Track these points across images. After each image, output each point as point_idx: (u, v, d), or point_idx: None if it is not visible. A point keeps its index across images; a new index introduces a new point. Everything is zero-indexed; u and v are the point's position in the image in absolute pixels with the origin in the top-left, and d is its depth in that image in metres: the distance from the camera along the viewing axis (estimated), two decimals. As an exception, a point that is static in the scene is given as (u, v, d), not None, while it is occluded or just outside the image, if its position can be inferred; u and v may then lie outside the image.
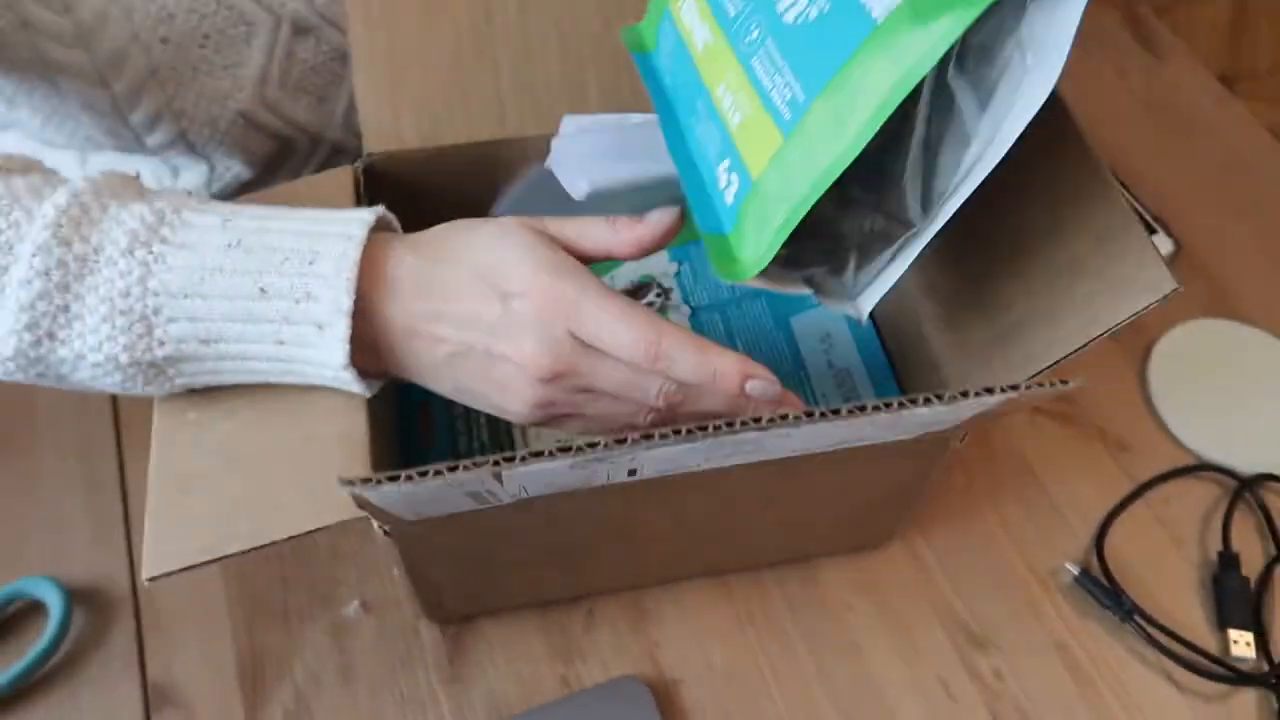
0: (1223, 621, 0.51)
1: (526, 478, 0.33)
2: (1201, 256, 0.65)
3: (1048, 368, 0.39)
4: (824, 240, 0.38)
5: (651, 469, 0.36)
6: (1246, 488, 0.55)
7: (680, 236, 0.53)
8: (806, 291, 0.39)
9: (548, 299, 0.36)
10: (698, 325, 0.52)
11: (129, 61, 0.53)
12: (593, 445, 0.31)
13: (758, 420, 0.31)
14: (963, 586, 0.52)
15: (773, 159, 0.34)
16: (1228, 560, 0.52)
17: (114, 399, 0.56)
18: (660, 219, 0.39)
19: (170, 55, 0.54)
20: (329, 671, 0.48)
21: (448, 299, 0.37)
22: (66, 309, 0.37)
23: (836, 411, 0.31)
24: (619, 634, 0.50)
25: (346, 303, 0.36)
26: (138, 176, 0.41)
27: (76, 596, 0.49)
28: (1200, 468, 0.56)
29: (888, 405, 0.32)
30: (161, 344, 0.37)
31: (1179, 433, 0.57)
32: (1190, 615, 0.51)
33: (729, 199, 0.36)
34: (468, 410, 0.50)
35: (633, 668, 0.48)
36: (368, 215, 0.39)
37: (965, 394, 0.32)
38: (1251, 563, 0.53)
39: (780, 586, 0.51)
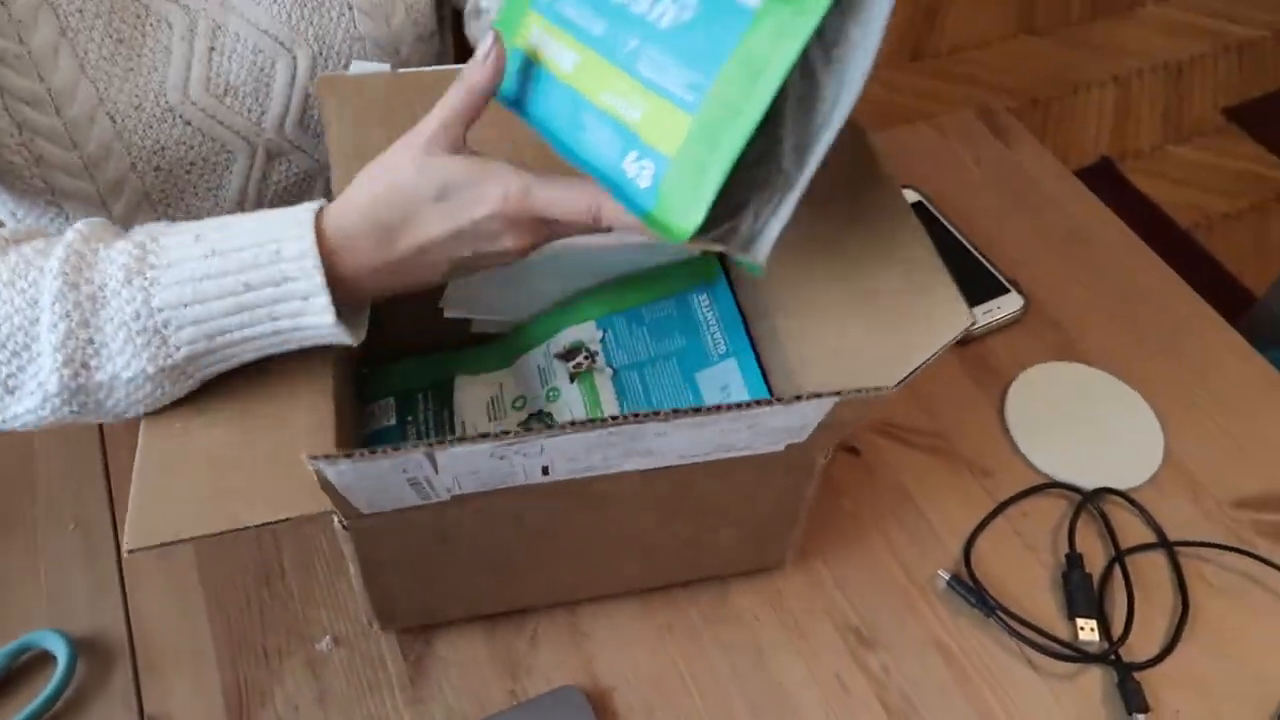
0: (1071, 612, 0.60)
1: (455, 462, 0.42)
2: (1048, 310, 0.76)
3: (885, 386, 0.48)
4: (727, 199, 0.44)
5: (561, 467, 0.45)
6: (1088, 500, 0.65)
7: (602, 308, 0.63)
8: (719, 248, 0.45)
9: (512, 211, 0.46)
10: (619, 383, 0.61)
11: (127, 187, 0.63)
12: (505, 433, 0.40)
13: (637, 415, 0.41)
14: (852, 595, 0.61)
15: (687, 135, 0.41)
16: (1074, 561, 0.62)
17: (106, 471, 0.63)
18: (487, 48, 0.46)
19: (161, 180, 0.64)
20: (306, 699, 0.55)
21: (417, 238, 0.46)
22: (91, 341, 0.45)
23: (697, 410, 0.41)
24: (558, 650, 0.57)
25: (319, 277, 0.45)
26: (103, 220, 0.49)
27: (80, 646, 0.56)
28: (1050, 486, 0.66)
29: (737, 406, 0.41)
30: (177, 349, 0.45)
31: (1031, 457, 0.67)
32: (1044, 609, 0.60)
33: (644, 182, 0.43)
34: (418, 433, 0.59)
35: (571, 679, 0.56)
36: (316, 203, 0.47)
37: (799, 398, 0.42)
38: (1094, 562, 0.62)
39: (694, 603, 0.60)
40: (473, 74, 0.46)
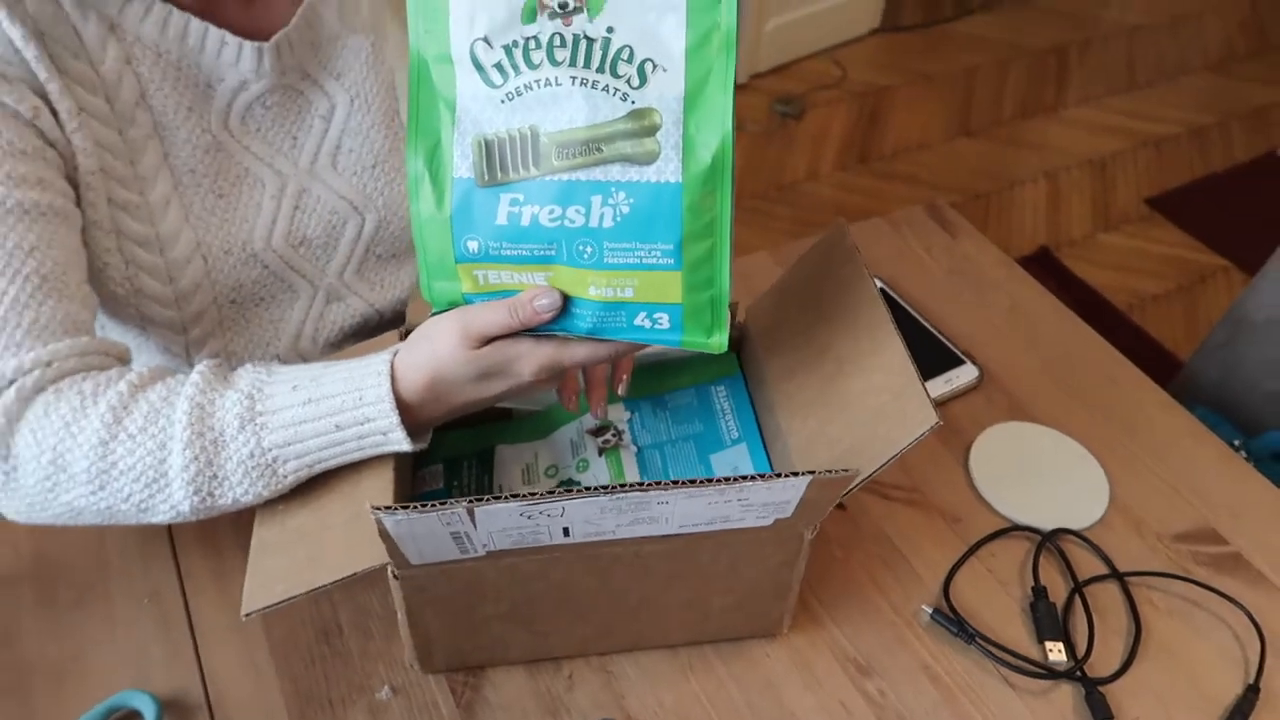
0: (1040, 636, 0.68)
1: (490, 519, 0.50)
2: (1000, 378, 0.86)
3: (867, 476, 0.56)
4: None
5: (579, 529, 0.53)
6: (1047, 540, 0.74)
7: (631, 392, 0.72)
8: None
9: (544, 377, 0.56)
10: (642, 459, 0.69)
11: (206, 317, 0.73)
12: (532, 494, 0.49)
13: (643, 484, 0.50)
14: (849, 631, 0.68)
15: (685, 285, 0.51)
16: (1039, 592, 0.70)
17: (173, 549, 0.70)
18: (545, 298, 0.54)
19: (234, 312, 0.74)
20: (369, 744, 0.61)
21: (464, 397, 0.58)
22: (215, 476, 0.56)
23: (694, 481, 0.50)
24: (593, 690, 0.64)
25: (394, 416, 0.56)
26: (224, 363, 0.60)
27: (164, 705, 0.62)
28: (1013, 529, 0.75)
29: (727, 480, 0.50)
30: (285, 477, 0.57)
31: (996, 505, 0.76)
32: (1017, 634, 0.69)
33: (664, 326, 0.53)
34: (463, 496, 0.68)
35: (606, 714, 0.63)
36: (387, 355, 0.57)
37: (779, 475, 0.51)
38: (1056, 593, 0.71)
39: (712, 644, 0.67)
40: (523, 314, 0.54)
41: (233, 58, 0.67)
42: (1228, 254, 2.21)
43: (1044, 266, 2.17)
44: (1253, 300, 1.12)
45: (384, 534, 0.50)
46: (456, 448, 0.71)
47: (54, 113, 0.62)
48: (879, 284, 0.92)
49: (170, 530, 0.71)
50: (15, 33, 0.59)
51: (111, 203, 0.66)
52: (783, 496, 0.54)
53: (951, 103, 2.65)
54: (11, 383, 0.56)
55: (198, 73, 0.67)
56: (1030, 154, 2.50)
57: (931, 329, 0.88)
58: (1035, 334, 0.90)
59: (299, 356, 0.79)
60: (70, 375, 0.58)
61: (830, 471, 0.52)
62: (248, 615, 0.53)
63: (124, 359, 0.62)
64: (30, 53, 0.60)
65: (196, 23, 0.65)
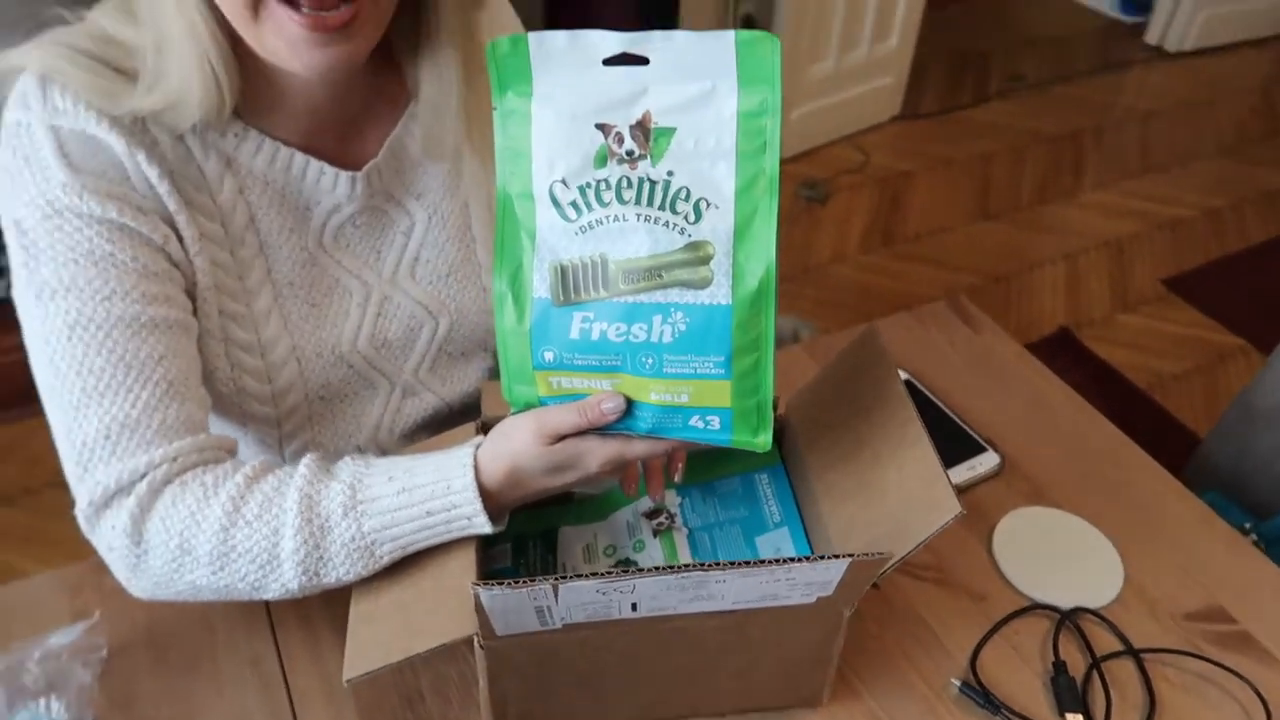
0: (1061, 709, 0.74)
1: (570, 595, 0.57)
2: (1021, 465, 0.93)
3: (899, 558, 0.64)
4: None
5: (646, 604, 0.60)
6: (1066, 618, 0.80)
7: (684, 479, 0.78)
8: None
9: (609, 471, 0.64)
10: (693, 541, 0.76)
11: (298, 413, 0.82)
12: (609, 572, 0.56)
13: (703, 564, 0.57)
14: (883, 701, 0.74)
15: (734, 391, 0.59)
16: (1059, 667, 0.76)
17: (270, 619, 0.77)
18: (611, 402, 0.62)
19: (322, 408, 0.83)
20: (448, 801, 0.68)
21: (538, 486, 0.66)
22: (321, 558, 0.64)
23: (748, 563, 0.57)
24: (651, 753, 0.70)
25: (478, 503, 0.64)
26: (315, 455, 0.68)
27: (265, 761, 0.68)
28: (1035, 607, 0.81)
29: (777, 561, 0.57)
30: (381, 559, 0.64)
31: (1018, 584, 0.82)
32: (1039, 707, 0.74)
33: (715, 427, 0.60)
34: (528, 573, 0.75)
35: (664, 776, 0.69)
36: (470, 448, 0.65)
37: (822, 557, 0.58)
38: (1076, 668, 0.76)
39: (759, 712, 0.73)
40: (591, 415, 0.61)
41: (330, 185, 0.77)
42: (1244, 334, 2.27)
43: (1064, 347, 2.23)
44: (1261, 387, 1.19)
45: (479, 607, 0.57)
46: (522, 527, 0.78)
47: (180, 239, 0.71)
48: (906, 376, 1.00)
49: (268, 605, 0.78)
50: (152, 172, 0.69)
51: (222, 313, 0.75)
52: (825, 576, 0.60)
53: (971, 187, 2.75)
54: (144, 476, 0.65)
55: (298, 198, 0.77)
56: (1049, 237, 2.58)
57: (955, 418, 0.96)
58: (1053, 423, 0.97)
59: (377, 446, 0.88)
60: (192, 469, 0.67)
61: (868, 554, 0.59)
62: (349, 681, 0.60)
63: (233, 452, 0.71)
64: (163, 188, 0.70)
65: (299, 156, 0.75)
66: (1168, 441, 0.89)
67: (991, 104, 3.13)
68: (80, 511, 0.66)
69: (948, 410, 0.97)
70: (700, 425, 0.61)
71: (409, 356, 0.86)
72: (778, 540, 0.75)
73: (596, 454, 0.63)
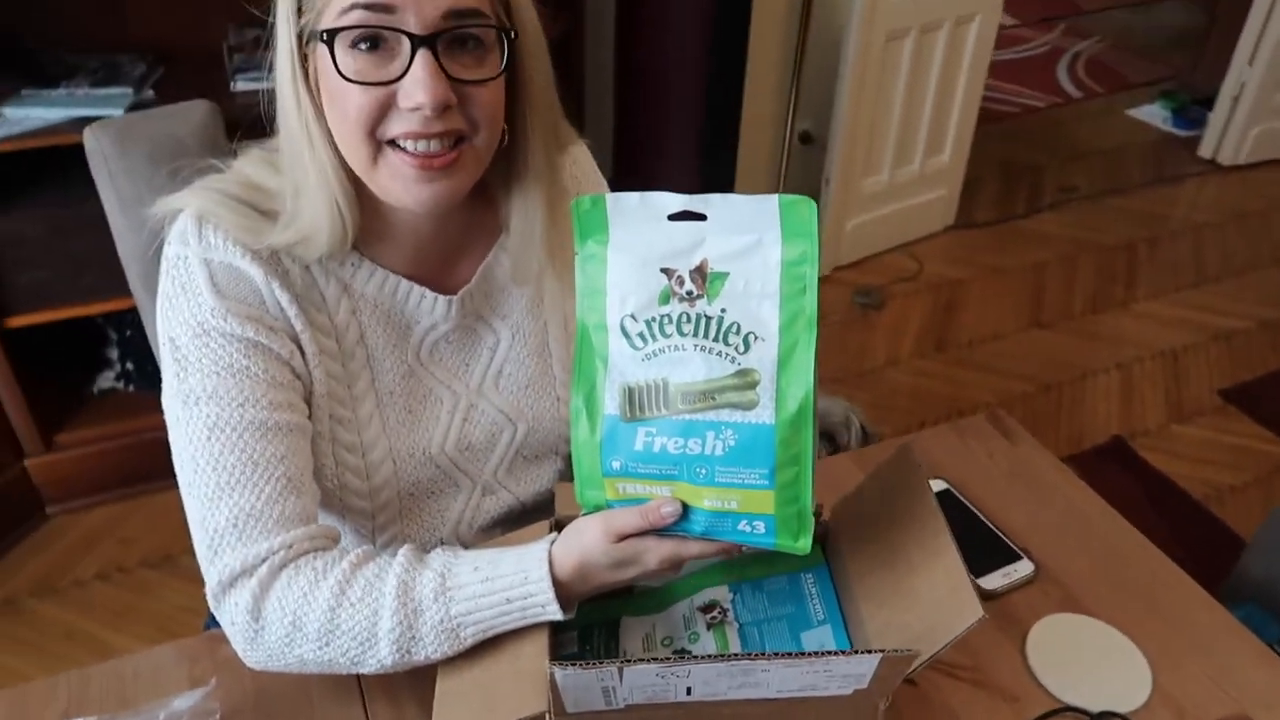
0: (1089, 808, 0.79)
1: (633, 677, 0.65)
2: (1055, 573, 0.98)
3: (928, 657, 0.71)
4: None
5: (699, 689, 0.67)
6: (1095, 720, 0.85)
7: (734, 576, 0.86)
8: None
9: (667, 567, 0.72)
10: (743, 634, 0.83)
11: (390, 507, 0.92)
12: (668, 658, 0.63)
13: (751, 654, 0.64)
14: (919, 792, 0.80)
15: (776, 500, 0.67)
16: (1088, 767, 0.81)
17: (362, 695, 0.86)
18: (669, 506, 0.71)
19: (410, 503, 0.93)
20: None
21: (605, 579, 0.74)
22: (414, 638, 0.73)
23: (791, 654, 0.65)
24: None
25: (551, 593, 0.72)
26: (410, 546, 0.78)
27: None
28: (1065, 709, 0.86)
29: (817, 653, 0.65)
30: (465, 640, 0.73)
31: (1049, 686, 0.88)
32: (1067, 805, 0.79)
33: (760, 531, 0.68)
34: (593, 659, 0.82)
35: None
36: (546, 544, 0.74)
37: (856, 652, 0.65)
38: (1103, 769, 0.81)
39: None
40: (652, 517, 0.70)
41: (429, 307, 0.88)
42: (1303, 447, 2.27)
43: (1117, 456, 2.26)
44: (1300, 504, 1.22)
45: (553, 685, 0.65)
46: (588, 617, 0.86)
47: (302, 353, 0.83)
48: (945, 485, 1.07)
49: (360, 679, 0.87)
50: (283, 297, 0.81)
51: (331, 417, 0.86)
52: (859, 670, 0.67)
53: (1024, 295, 2.82)
54: (264, 561, 0.75)
55: (401, 317, 0.88)
56: (1102, 346, 2.63)
57: (992, 526, 1.02)
58: (1087, 533, 1.03)
59: (457, 539, 0.97)
60: (305, 555, 0.77)
61: (897, 651, 0.66)
62: None
63: (338, 540, 0.81)
64: (291, 311, 0.82)
65: (405, 282, 0.87)
66: (1221, 554, 0.93)
67: (1044, 215, 3.21)
68: (209, 590, 0.76)
69: (985, 519, 1.03)
70: (747, 529, 0.70)
71: (489, 458, 0.96)
72: (821, 637, 0.82)
73: (655, 552, 0.72)
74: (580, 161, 0.98)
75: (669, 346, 0.69)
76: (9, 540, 1.94)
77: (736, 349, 0.68)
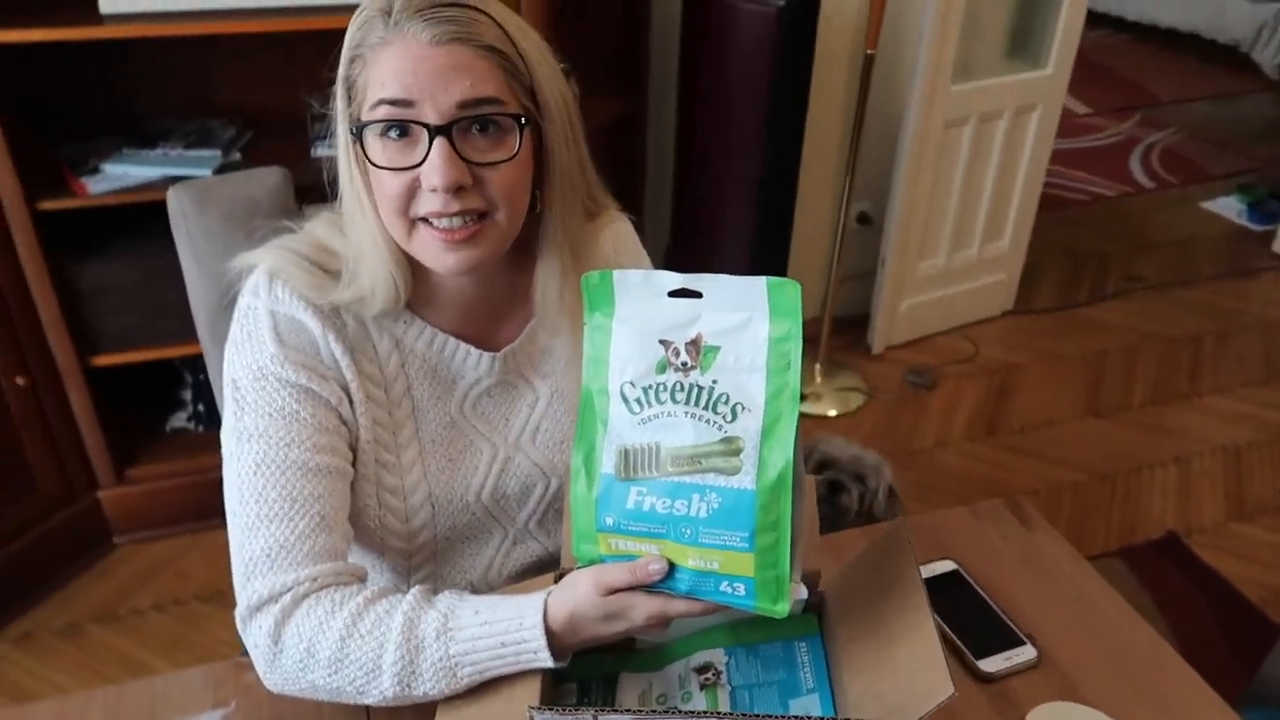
0: None
1: None
2: (1057, 660, 0.99)
3: None
4: None
5: None
6: (1085, 811, 0.85)
7: (730, 639, 0.89)
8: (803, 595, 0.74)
9: (654, 622, 0.76)
10: (734, 697, 0.85)
11: (426, 549, 0.98)
12: (644, 710, 0.67)
13: (731, 714, 0.67)
14: None
15: (756, 564, 0.71)
16: None
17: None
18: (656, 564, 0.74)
19: (446, 546, 0.99)
20: None
21: (594, 632, 0.77)
22: (414, 673, 0.78)
23: (763, 716, 0.67)
24: None
25: (543, 640, 0.76)
26: (421, 587, 0.82)
27: None
28: (1055, 797, 0.86)
29: (786, 717, 0.67)
30: (461, 679, 0.77)
31: (1040, 774, 0.88)
32: None
33: (740, 593, 0.72)
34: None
35: None
36: (543, 595, 0.78)
37: (825, 718, 0.67)
38: None
39: None
40: (639, 574, 0.74)
41: (474, 364, 0.95)
42: (1368, 554, 2.19)
43: (1171, 552, 2.20)
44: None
45: (533, 730, 0.69)
46: (588, 670, 0.90)
47: (351, 401, 0.90)
48: (954, 566, 1.08)
49: (369, 711, 0.92)
50: (337, 349, 0.89)
51: (377, 462, 0.93)
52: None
53: (1082, 383, 2.79)
54: (289, 590, 0.81)
55: (447, 372, 0.95)
56: (1161, 438, 2.58)
57: (997, 609, 1.03)
58: (1096, 623, 1.03)
59: (487, 584, 1.03)
60: (327, 588, 0.82)
61: (870, 720, 0.69)
62: None
63: (363, 579, 0.87)
64: (344, 362, 0.89)
65: (452, 340, 0.94)
66: None
67: (1108, 303, 3.18)
68: (239, 612, 0.82)
69: (991, 602, 1.04)
70: (729, 590, 0.73)
71: (523, 509, 1.01)
72: (809, 705, 0.84)
73: (642, 608, 0.75)
74: (622, 235, 1.05)
75: (663, 413, 0.74)
76: (77, 566, 2.05)
77: (724, 418, 0.72)
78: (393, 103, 0.80)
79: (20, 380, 1.84)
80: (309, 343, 0.88)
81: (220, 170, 1.86)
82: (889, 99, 2.62)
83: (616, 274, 0.74)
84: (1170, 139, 4.43)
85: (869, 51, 2.32)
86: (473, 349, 0.94)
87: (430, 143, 0.80)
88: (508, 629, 0.78)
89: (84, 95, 1.99)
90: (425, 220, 0.83)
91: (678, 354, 0.73)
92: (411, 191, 0.82)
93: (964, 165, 2.68)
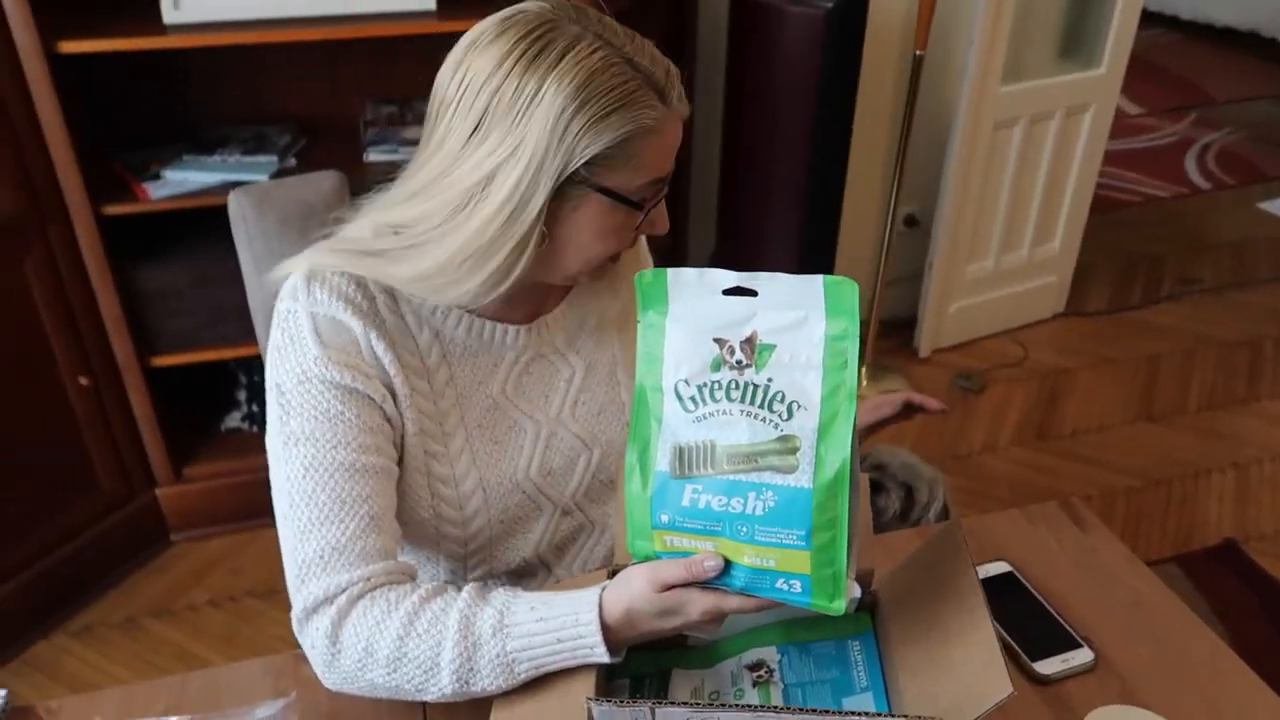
0: None
1: (665, 717, 0.68)
2: (1114, 663, 0.97)
3: None
4: None
5: None
6: (1144, 816, 0.83)
7: (783, 638, 0.89)
8: (858, 594, 0.74)
9: (707, 619, 0.76)
10: (787, 695, 0.85)
11: (481, 533, 0.99)
12: (697, 703, 0.67)
13: (779, 708, 0.67)
14: None
15: (812, 562, 0.71)
16: None
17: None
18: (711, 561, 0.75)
19: (500, 529, 1.00)
20: None
21: (651, 627, 0.78)
22: (471, 670, 0.79)
23: (815, 710, 0.67)
24: None
25: (600, 636, 0.77)
26: (475, 584, 0.84)
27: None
28: (1113, 802, 0.85)
29: (845, 713, 0.67)
30: (518, 675, 0.79)
31: (1098, 778, 0.87)
32: None
33: (796, 591, 0.72)
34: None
35: None
36: (598, 590, 0.79)
37: (879, 714, 0.67)
38: None
39: None
40: (695, 570, 0.74)
41: (512, 339, 0.97)
42: None
43: (1228, 558, 2.16)
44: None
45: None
46: (642, 667, 0.91)
47: (394, 397, 0.91)
48: (1009, 568, 1.07)
49: (425, 707, 0.93)
50: (379, 346, 0.90)
51: (426, 453, 0.94)
52: (886, 733, 0.70)
53: (1135, 388, 2.74)
54: (344, 591, 0.83)
55: (487, 355, 0.97)
56: (1217, 444, 2.52)
57: (1053, 612, 1.02)
58: (1153, 627, 1.01)
59: (538, 558, 1.05)
60: (381, 588, 0.84)
61: (917, 718, 0.68)
62: None
63: (414, 577, 0.88)
64: (387, 359, 0.90)
65: (489, 323, 0.96)
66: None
67: (1162, 306, 3.12)
68: (294, 615, 0.84)
69: (1046, 604, 1.03)
70: (785, 588, 0.73)
71: (569, 482, 1.03)
72: (863, 703, 0.84)
73: (697, 604, 0.76)
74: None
75: (718, 410, 0.74)
76: (135, 562, 2.11)
77: (780, 416, 0.72)
78: (660, 181, 0.87)
79: (83, 380, 1.89)
80: (350, 341, 0.89)
81: (276, 175, 1.90)
82: (938, 101, 2.60)
83: (671, 272, 0.75)
84: (1226, 139, 4.34)
85: (918, 53, 2.30)
86: (509, 326, 0.96)
87: (660, 199, 0.89)
88: (563, 624, 0.78)
89: (146, 103, 2.05)
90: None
91: (732, 352, 0.73)
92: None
93: (1014, 167, 2.65)
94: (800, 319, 0.72)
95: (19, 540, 1.89)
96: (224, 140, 1.99)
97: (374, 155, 1.97)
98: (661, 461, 0.75)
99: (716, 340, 0.74)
